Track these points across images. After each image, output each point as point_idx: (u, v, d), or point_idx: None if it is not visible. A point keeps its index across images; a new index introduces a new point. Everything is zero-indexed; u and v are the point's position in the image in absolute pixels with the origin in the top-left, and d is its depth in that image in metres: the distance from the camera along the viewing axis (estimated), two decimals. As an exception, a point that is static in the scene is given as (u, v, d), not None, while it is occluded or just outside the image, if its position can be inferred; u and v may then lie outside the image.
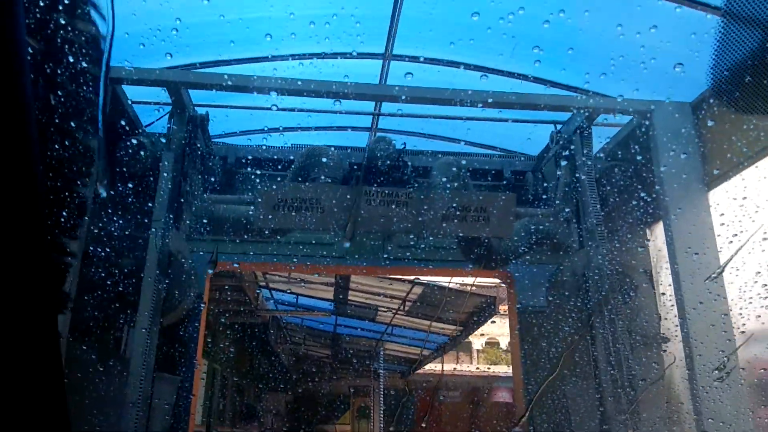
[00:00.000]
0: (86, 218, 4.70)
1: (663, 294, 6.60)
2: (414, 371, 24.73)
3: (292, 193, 6.25)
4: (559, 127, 7.10)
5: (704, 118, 6.09)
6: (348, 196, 6.38)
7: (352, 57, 7.23)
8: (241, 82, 6.00)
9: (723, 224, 5.82)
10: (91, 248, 5.55)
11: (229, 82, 6.06)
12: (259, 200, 6.22)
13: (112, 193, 5.90)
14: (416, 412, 25.63)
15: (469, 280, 13.66)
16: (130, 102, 6.58)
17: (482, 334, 28.54)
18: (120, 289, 5.67)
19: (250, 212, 6.46)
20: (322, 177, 6.54)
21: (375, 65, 7.42)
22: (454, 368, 27.69)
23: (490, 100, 6.17)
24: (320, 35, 6.73)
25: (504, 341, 29.52)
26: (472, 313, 15.34)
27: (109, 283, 5.70)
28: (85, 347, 5.50)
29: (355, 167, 6.83)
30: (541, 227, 6.84)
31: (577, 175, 6.53)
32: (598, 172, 6.62)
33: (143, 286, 5.45)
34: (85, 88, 4.22)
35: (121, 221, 6.02)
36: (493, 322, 15.86)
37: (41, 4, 3.89)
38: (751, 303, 5.52)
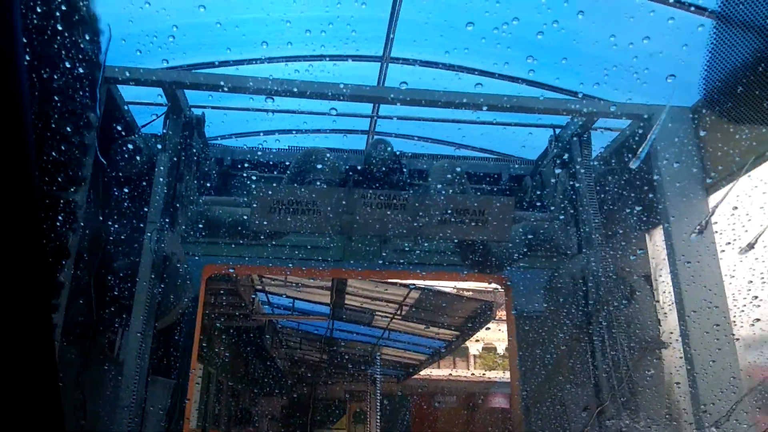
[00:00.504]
0: (77, 221, 4.65)
1: (659, 301, 6.57)
2: (410, 376, 24.66)
3: (288, 195, 6.20)
4: (557, 131, 7.06)
5: (704, 122, 6.07)
6: (344, 201, 6.34)
7: (350, 59, 7.20)
8: (238, 83, 5.96)
9: (717, 232, 5.80)
10: (85, 250, 5.49)
11: (225, 84, 6.02)
12: (255, 203, 6.17)
13: (106, 194, 5.84)
14: (412, 418, 25.56)
15: (465, 285, 13.64)
16: (125, 102, 6.53)
17: (478, 340, 28.49)
18: (114, 291, 5.61)
19: (246, 215, 6.40)
20: (319, 180, 6.50)
21: (373, 68, 7.40)
22: (451, 373, 27.63)
23: (488, 103, 6.13)
24: (317, 38, 6.71)
25: (501, 347, 29.48)
26: (468, 318, 15.29)
27: (103, 285, 5.64)
28: (77, 350, 5.43)
29: (352, 170, 6.78)
30: (538, 232, 6.80)
31: (575, 179, 6.50)
32: (597, 176, 6.59)
33: (137, 288, 5.39)
34: (80, 92, 4.18)
35: (115, 223, 5.96)
36: (488, 328, 15.82)
37: (36, 7, 3.84)
38: (743, 311, 5.50)
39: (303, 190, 6.25)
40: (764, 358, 5.66)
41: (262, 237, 6.65)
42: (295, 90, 5.76)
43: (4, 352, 0.95)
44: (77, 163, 4.56)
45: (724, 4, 5.21)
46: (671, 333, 6.12)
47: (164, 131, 6.07)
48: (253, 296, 14.70)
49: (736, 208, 5.40)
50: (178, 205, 5.96)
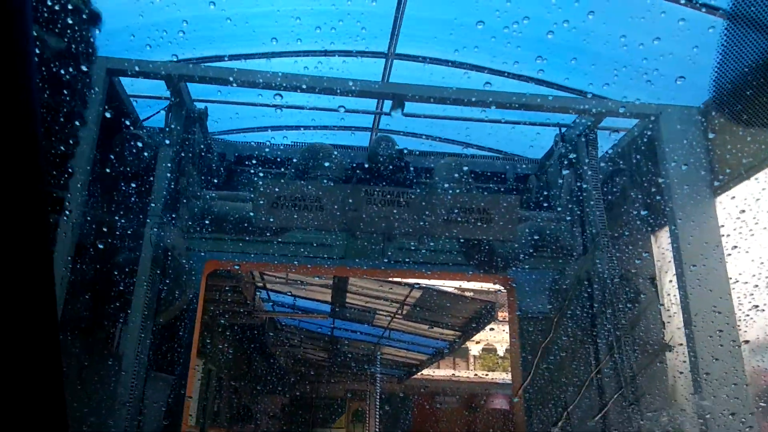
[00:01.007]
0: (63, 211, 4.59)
1: (663, 303, 6.50)
2: (411, 376, 24.59)
3: (292, 191, 6.14)
4: (563, 130, 6.99)
5: (713, 123, 6.00)
6: (348, 198, 6.28)
7: (355, 55, 7.14)
8: (242, 77, 5.90)
9: (723, 235, 5.73)
10: (86, 243, 5.44)
11: (231, 78, 5.97)
12: (258, 198, 6.11)
13: (108, 188, 5.80)
14: (412, 418, 25.50)
15: (468, 285, 13.57)
16: (129, 96, 6.48)
17: (478, 341, 28.43)
18: (114, 285, 5.56)
19: (249, 210, 6.35)
20: (323, 175, 6.44)
21: (377, 64, 7.34)
22: (452, 374, 27.56)
23: (494, 100, 6.07)
24: (323, 33, 6.65)
25: (501, 348, 29.41)
26: (470, 319, 15.22)
27: (103, 279, 5.59)
28: (77, 345, 5.38)
29: (356, 167, 6.73)
30: (544, 232, 6.73)
31: (582, 178, 6.43)
32: (603, 176, 6.52)
33: (137, 282, 5.34)
34: (72, 83, 4.12)
35: (116, 216, 5.91)
36: (492, 329, 15.77)
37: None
38: (748, 315, 5.44)
39: (307, 186, 6.19)
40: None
41: (265, 233, 6.59)
42: (303, 85, 5.71)
43: (8, 349, 0.93)
44: (65, 155, 4.50)
45: (736, 3, 5.15)
46: (675, 335, 6.05)
47: (167, 125, 6.01)
48: (255, 293, 14.66)
49: (743, 211, 5.34)
50: (180, 199, 5.91)
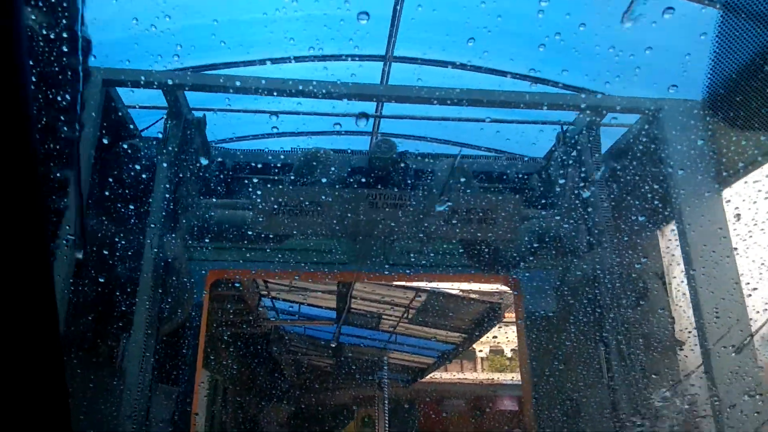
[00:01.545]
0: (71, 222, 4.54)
1: (672, 299, 6.43)
2: (418, 380, 24.50)
3: (292, 197, 6.09)
4: (565, 128, 6.94)
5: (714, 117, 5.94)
6: (349, 202, 6.23)
7: (353, 59, 7.11)
8: (239, 83, 5.86)
9: (723, 237, 5.68)
10: (87, 257, 5.39)
11: (227, 84, 5.92)
12: (258, 205, 6.06)
13: (106, 199, 5.75)
14: (421, 422, 25.40)
15: (473, 287, 13.51)
16: (126, 106, 6.45)
17: (486, 342, 28.34)
18: (116, 299, 5.51)
19: (250, 218, 6.30)
20: (323, 181, 6.39)
21: (376, 68, 7.30)
22: (459, 377, 27.47)
23: (493, 99, 6.02)
24: (320, 37, 6.62)
25: (508, 349, 29.33)
26: (476, 321, 15.15)
27: (104, 293, 5.54)
28: (79, 358, 5.32)
29: (356, 170, 6.68)
30: (548, 230, 6.67)
31: (585, 175, 6.36)
32: (606, 173, 6.46)
33: (139, 294, 5.28)
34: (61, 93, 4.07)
35: (117, 229, 5.86)
36: (500, 328, 15.71)
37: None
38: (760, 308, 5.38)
39: (306, 191, 6.14)
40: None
41: (266, 241, 6.54)
42: (298, 85, 5.66)
43: (11, 355, 0.93)
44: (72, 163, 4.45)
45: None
46: (687, 331, 5.98)
47: (164, 134, 5.97)
48: (259, 302, 14.61)
49: (755, 202, 5.28)
50: (180, 209, 5.86)
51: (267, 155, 7.36)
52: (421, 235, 6.20)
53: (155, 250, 5.44)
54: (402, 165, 6.74)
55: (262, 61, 6.87)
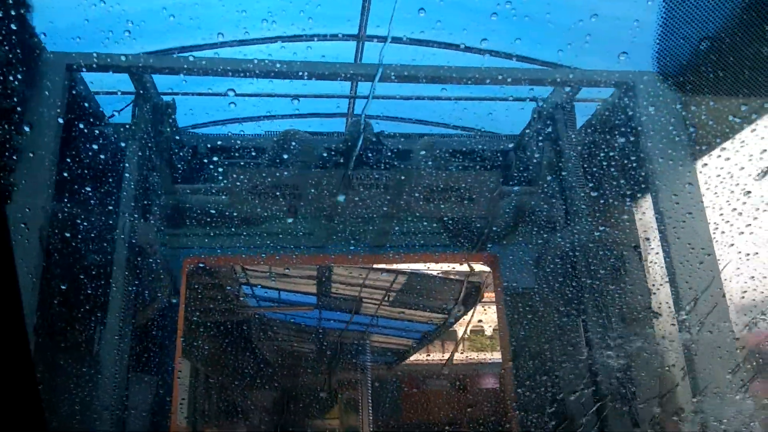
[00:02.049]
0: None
1: (648, 271, 6.50)
2: (400, 362, 24.69)
3: (266, 179, 6.00)
4: (540, 103, 6.93)
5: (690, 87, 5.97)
6: (325, 183, 6.16)
7: (325, 39, 6.99)
8: (209, 66, 5.73)
9: (690, 213, 5.74)
10: (57, 246, 5.26)
11: (197, 67, 5.79)
12: (232, 188, 5.97)
13: (75, 186, 5.60)
14: (404, 402, 25.65)
15: (452, 267, 13.56)
16: (92, 91, 6.26)
17: (467, 322, 28.58)
18: (89, 287, 5.39)
19: (225, 203, 6.20)
20: (298, 162, 6.31)
21: (349, 47, 7.20)
22: (441, 357, 27.72)
23: (467, 76, 5.97)
24: (291, 17, 6.48)
25: (489, 328, 29.62)
26: (456, 301, 15.25)
27: (77, 281, 5.42)
28: (52, 348, 5.21)
29: (332, 151, 6.60)
30: (525, 206, 6.69)
31: (560, 150, 6.38)
32: (581, 147, 6.48)
33: (112, 282, 5.18)
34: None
35: (88, 216, 5.72)
36: (483, 309, 15.84)
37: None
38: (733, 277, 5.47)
39: (281, 173, 6.06)
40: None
41: (242, 225, 6.46)
42: (270, 65, 5.55)
43: None
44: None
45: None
46: (663, 303, 6.06)
47: (133, 119, 5.83)
48: (238, 289, 14.52)
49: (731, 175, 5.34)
50: (151, 195, 5.74)
51: (240, 138, 7.24)
52: (399, 214, 6.17)
53: (126, 236, 5.34)
54: (378, 145, 6.68)
55: (230, 44, 6.72)
